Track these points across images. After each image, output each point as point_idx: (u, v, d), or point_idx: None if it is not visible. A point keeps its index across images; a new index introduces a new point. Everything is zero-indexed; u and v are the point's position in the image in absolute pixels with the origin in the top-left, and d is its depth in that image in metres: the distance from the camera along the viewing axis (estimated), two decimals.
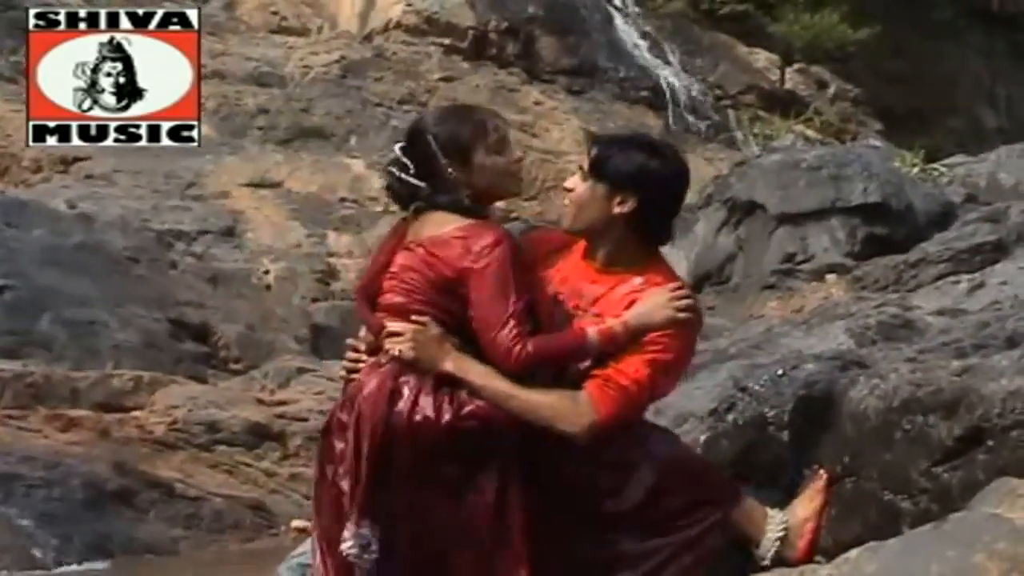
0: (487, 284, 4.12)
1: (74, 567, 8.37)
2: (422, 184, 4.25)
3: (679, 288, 4.37)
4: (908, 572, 3.77)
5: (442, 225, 4.21)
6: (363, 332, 4.37)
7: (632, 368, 4.20)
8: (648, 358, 4.22)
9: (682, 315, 4.28)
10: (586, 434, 4.17)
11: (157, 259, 12.41)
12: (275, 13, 18.62)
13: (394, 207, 4.50)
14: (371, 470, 4.04)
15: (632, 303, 4.28)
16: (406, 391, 4.09)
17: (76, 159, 14.36)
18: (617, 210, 4.32)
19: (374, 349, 4.25)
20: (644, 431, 4.32)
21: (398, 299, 4.23)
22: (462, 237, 4.16)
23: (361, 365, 4.25)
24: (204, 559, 8.77)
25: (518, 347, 4.11)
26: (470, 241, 4.14)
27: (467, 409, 4.08)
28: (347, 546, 4.04)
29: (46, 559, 8.36)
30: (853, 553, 4.01)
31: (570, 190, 4.41)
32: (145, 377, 10.26)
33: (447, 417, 4.06)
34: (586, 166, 4.38)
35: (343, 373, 4.36)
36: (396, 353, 4.12)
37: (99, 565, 8.46)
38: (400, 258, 4.26)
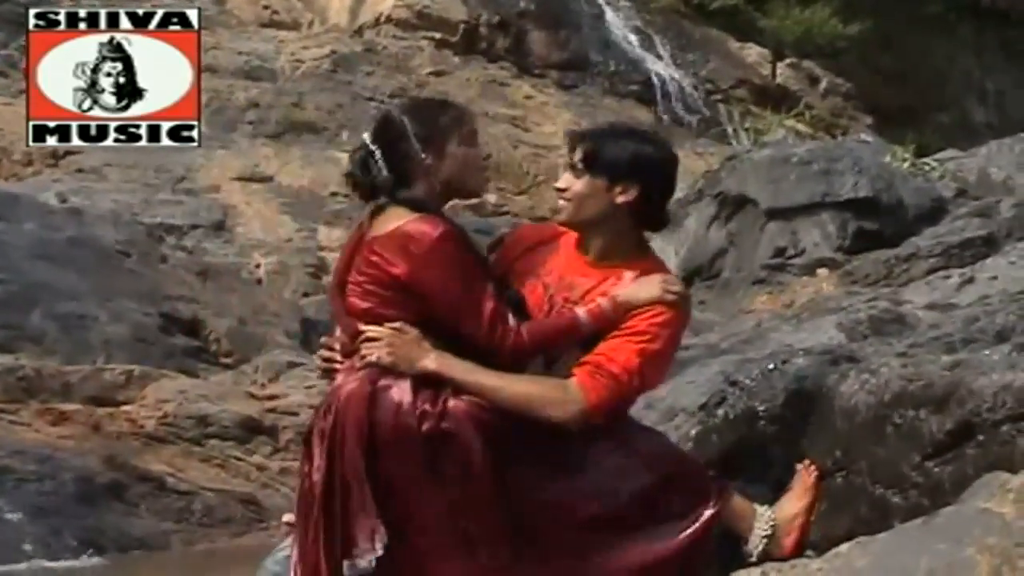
0: (447, 277, 4.09)
1: (65, 561, 8.36)
2: (387, 174, 4.20)
3: (671, 275, 4.40)
4: (899, 566, 3.78)
5: (391, 221, 4.16)
6: (338, 331, 4.36)
7: (622, 356, 4.19)
8: (638, 348, 4.20)
9: (670, 296, 4.27)
10: (576, 421, 4.16)
11: (148, 253, 12.38)
12: (266, 7, 18.60)
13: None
14: (355, 476, 4.02)
15: None
16: (386, 397, 4.05)
17: (67, 153, 14.33)
18: (620, 200, 4.32)
19: (349, 352, 4.23)
20: (633, 430, 4.32)
21: (359, 301, 4.21)
22: (404, 234, 4.11)
23: (336, 365, 4.26)
24: (195, 553, 8.77)
25: (511, 335, 4.11)
26: (412, 236, 4.10)
27: (449, 415, 4.03)
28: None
29: (37, 553, 8.35)
30: (844, 547, 4.02)
31: (564, 189, 4.37)
32: (136, 371, 10.25)
33: (428, 424, 4.03)
34: (577, 162, 4.36)
35: (318, 373, 4.37)
36: (374, 359, 4.09)
37: (90, 559, 8.45)
38: (358, 257, 4.22)
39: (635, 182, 4.32)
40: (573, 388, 4.16)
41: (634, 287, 4.26)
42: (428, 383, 4.08)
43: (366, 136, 4.28)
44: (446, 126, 4.25)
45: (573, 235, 4.44)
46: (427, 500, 4.05)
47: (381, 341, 4.11)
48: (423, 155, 4.19)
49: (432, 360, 4.10)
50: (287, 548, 4.65)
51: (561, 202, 4.41)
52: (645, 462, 4.19)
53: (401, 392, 4.06)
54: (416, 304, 4.14)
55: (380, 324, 4.15)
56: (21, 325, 10.62)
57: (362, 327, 4.16)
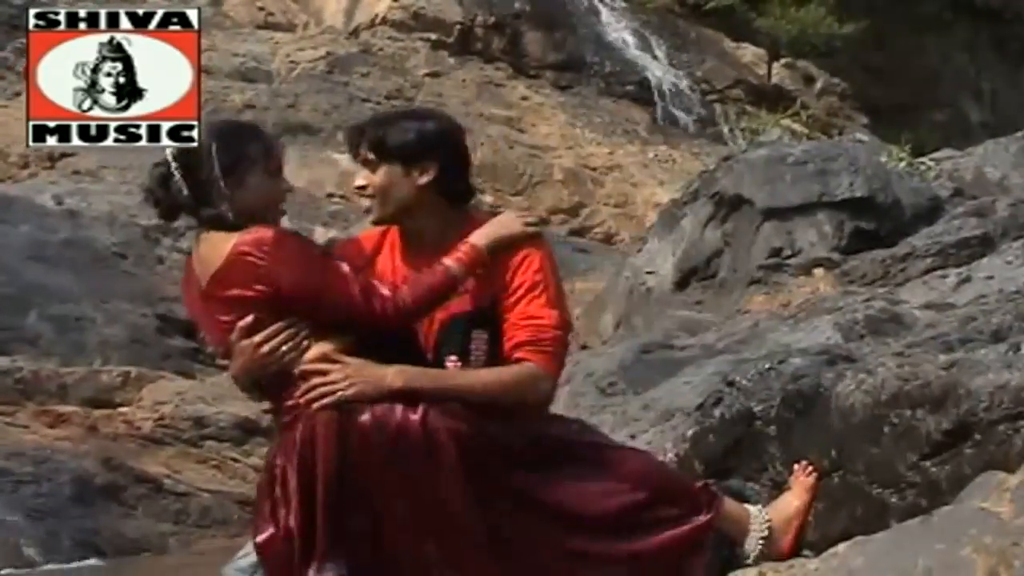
0: (301, 274, 4.03)
1: (63, 564, 8.36)
2: (187, 193, 4.12)
3: (517, 212, 4.41)
4: (895, 566, 3.78)
5: (216, 251, 4.07)
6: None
7: (542, 316, 4.21)
8: (544, 299, 4.23)
9: (531, 228, 4.28)
10: (550, 394, 4.25)
11: (144, 255, 12.40)
12: (261, 9, 18.63)
13: None
14: (328, 502, 3.97)
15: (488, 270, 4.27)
16: (356, 423, 3.99)
17: (63, 155, 14.36)
18: (422, 181, 4.29)
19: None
20: (618, 449, 4.31)
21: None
22: (241, 252, 4.03)
23: None
24: (192, 554, 8.77)
25: (391, 303, 4.07)
26: (249, 252, 4.02)
27: (427, 430, 3.99)
28: None
29: (35, 555, 8.35)
30: (841, 547, 4.01)
31: (364, 186, 4.32)
32: (133, 373, 10.26)
33: (403, 440, 3.98)
34: (367, 156, 4.31)
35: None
36: (334, 400, 4.01)
37: (88, 561, 8.45)
38: (216, 309, 4.12)
39: (431, 159, 4.30)
40: (533, 368, 4.19)
41: (492, 229, 4.26)
42: (395, 399, 4.03)
43: (169, 153, 4.23)
44: (252, 156, 4.17)
45: (394, 234, 4.41)
46: (403, 515, 4.02)
47: (330, 377, 4.04)
48: (221, 183, 4.11)
49: (395, 377, 4.05)
50: (249, 555, 4.62)
51: (365, 201, 4.37)
52: (631, 479, 4.17)
53: (366, 413, 4.00)
54: (296, 308, 4.06)
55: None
56: (17, 327, 10.63)
57: (303, 367, 4.05)
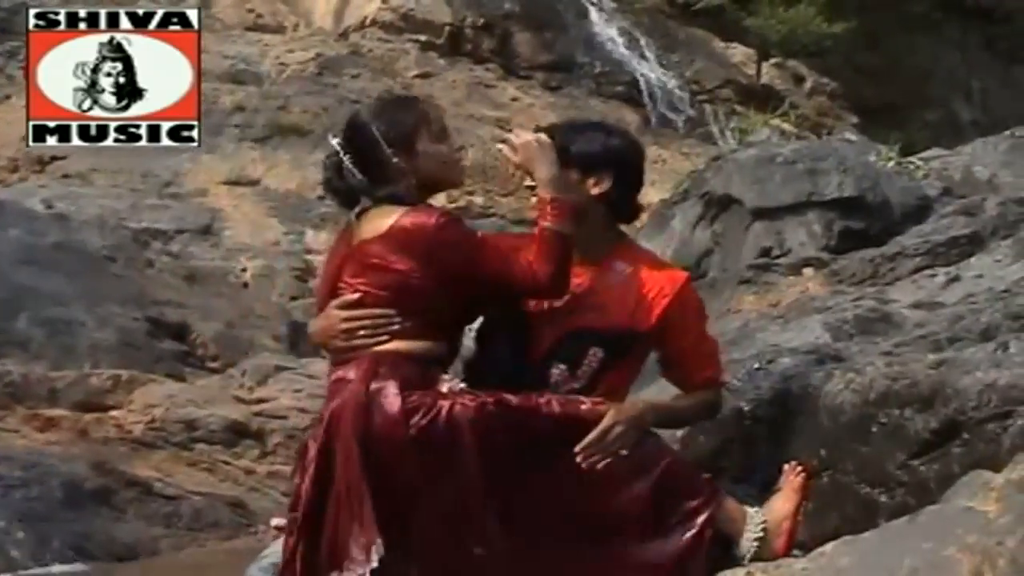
0: (462, 260, 4.14)
1: (53, 568, 8.34)
2: (362, 177, 4.23)
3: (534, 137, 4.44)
4: (882, 565, 3.78)
5: (381, 220, 4.18)
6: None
7: (716, 352, 4.59)
8: (707, 333, 4.59)
9: (546, 140, 4.38)
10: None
11: (134, 258, 12.38)
12: (251, 11, 18.60)
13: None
14: (352, 489, 4.02)
15: (632, 297, 4.37)
16: (380, 405, 4.05)
17: (53, 158, 14.33)
18: (595, 191, 4.39)
19: (340, 360, 4.24)
20: None
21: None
22: (402, 229, 4.14)
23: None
24: (184, 558, 8.76)
25: (541, 277, 4.20)
26: (410, 231, 4.14)
27: (443, 418, 4.04)
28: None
29: (24, 559, 8.32)
30: (828, 547, 4.02)
31: (535, 185, 4.40)
32: (123, 376, 10.23)
33: (423, 429, 4.02)
34: None
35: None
36: (623, 451, 4.18)
37: (78, 566, 8.43)
38: (350, 263, 4.23)
39: (607, 173, 4.42)
40: (720, 391, 4.62)
41: (542, 172, 4.33)
42: (419, 386, 4.09)
43: (336, 143, 4.29)
44: (411, 126, 4.26)
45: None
46: (421, 503, 4.05)
47: (608, 439, 4.17)
48: (395, 159, 4.20)
49: (647, 413, 4.31)
50: (272, 555, 4.66)
51: (534, 199, 4.43)
52: (640, 465, 4.19)
53: (395, 399, 4.05)
54: (415, 297, 4.15)
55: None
56: (7, 331, 10.60)
57: (586, 443, 4.16)
